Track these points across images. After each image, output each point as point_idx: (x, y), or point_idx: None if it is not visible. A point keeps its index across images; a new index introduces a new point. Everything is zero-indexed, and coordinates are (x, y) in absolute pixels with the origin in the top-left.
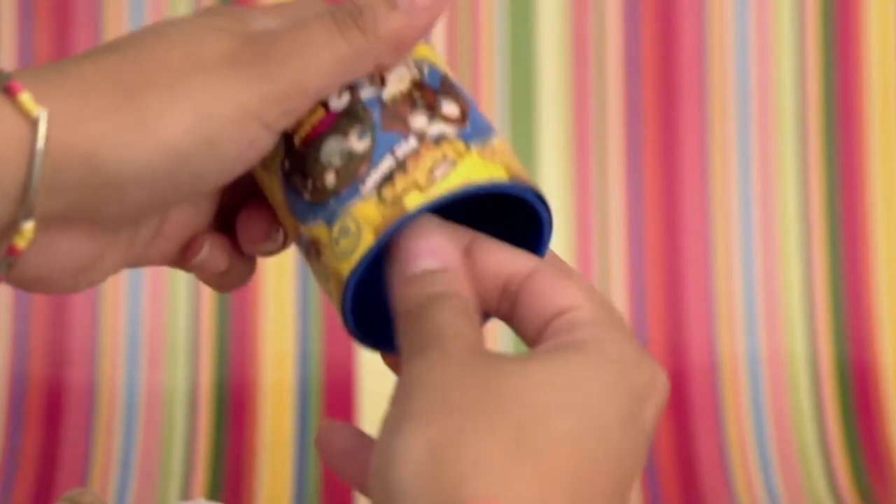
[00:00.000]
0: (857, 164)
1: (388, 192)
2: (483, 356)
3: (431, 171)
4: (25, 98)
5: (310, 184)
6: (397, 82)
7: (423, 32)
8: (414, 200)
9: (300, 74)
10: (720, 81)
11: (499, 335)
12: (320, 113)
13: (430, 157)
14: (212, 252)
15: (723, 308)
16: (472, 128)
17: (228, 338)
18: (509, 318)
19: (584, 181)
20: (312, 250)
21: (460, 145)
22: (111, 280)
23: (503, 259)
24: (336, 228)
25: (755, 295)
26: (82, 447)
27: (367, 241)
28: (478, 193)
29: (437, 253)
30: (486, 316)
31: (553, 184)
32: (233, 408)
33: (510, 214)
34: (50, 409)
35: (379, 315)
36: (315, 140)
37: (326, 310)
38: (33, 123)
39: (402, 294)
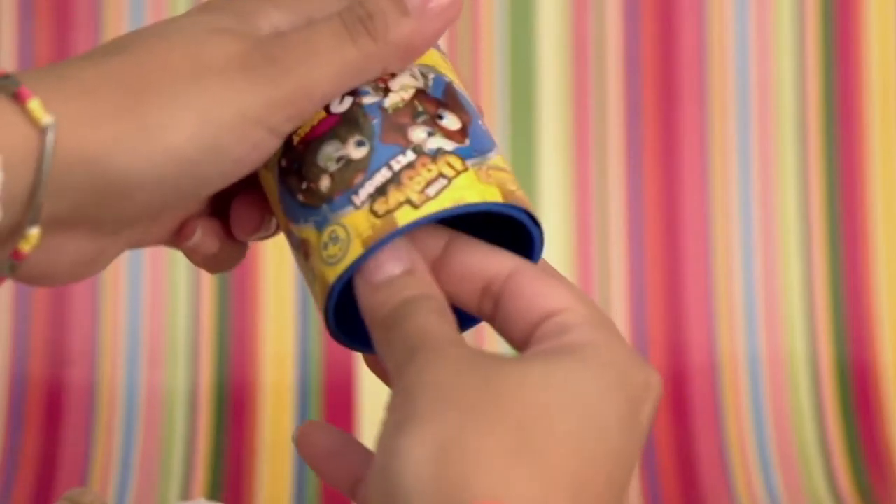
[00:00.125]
0: (857, 164)
1: (380, 206)
2: (477, 356)
3: (425, 187)
4: (35, 105)
5: (304, 185)
6: (400, 90)
7: (434, 39)
8: (406, 217)
9: (307, 80)
10: (720, 81)
11: (496, 335)
12: (320, 114)
13: (425, 172)
14: (203, 236)
15: (723, 308)
16: (472, 143)
17: (228, 338)
18: (492, 319)
19: (584, 181)
20: (301, 250)
21: (457, 162)
22: (111, 280)
23: (483, 258)
24: (326, 234)
25: (755, 295)
26: (82, 447)
27: (355, 251)
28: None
29: (399, 257)
30: (470, 318)
31: (553, 184)
32: (233, 408)
33: (502, 229)
34: (50, 409)
35: (360, 316)
36: (313, 141)
37: None
38: (41, 131)
39: (372, 303)
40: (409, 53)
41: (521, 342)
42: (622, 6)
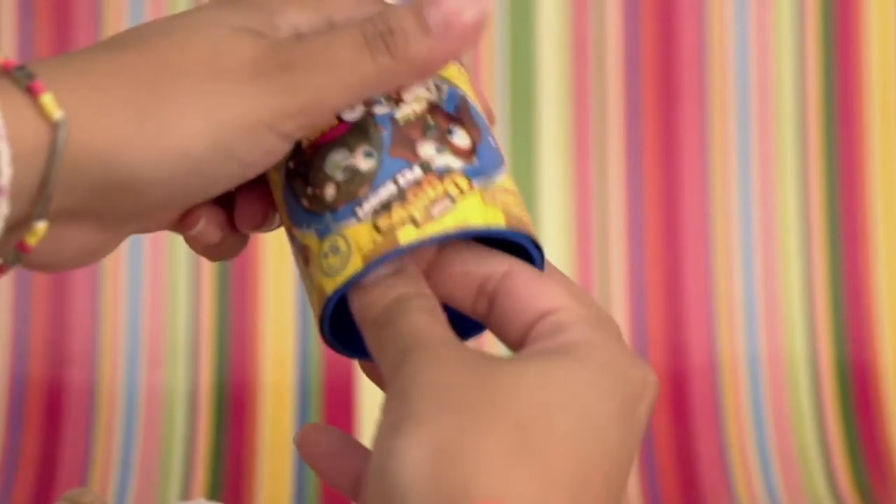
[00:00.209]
0: (857, 164)
1: (383, 221)
2: (471, 356)
3: (430, 206)
4: (47, 99)
5: (310, 191)
6: (413, 102)
7: (452, 58)
8: (408, 236)
9: (322, 90)
10: (720, 81)
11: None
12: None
13: (431, 191)
14: (206, 226)
15: (723, 308)
16: (480, 162)
17: (228, 338)
18: (487, 319)
19: (584, 181)
20: (302, 255)
21: (463, 182)
22: (111, 280)
23: (478, 258)
24: (327, 244)
25: (755, 295)
26: (82, 447)
27: (354, 265)
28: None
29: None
30: (474, 326)
31: (553, 184)
32: (233, 408)
33: (504, 241)
34: (50, 409)
35: (355, 323)
36: (322, 147)
37: None
38: (53, 126)
39: (363, 304)
40: (426, 71)
41: (516, 342)
42: (622, 6)
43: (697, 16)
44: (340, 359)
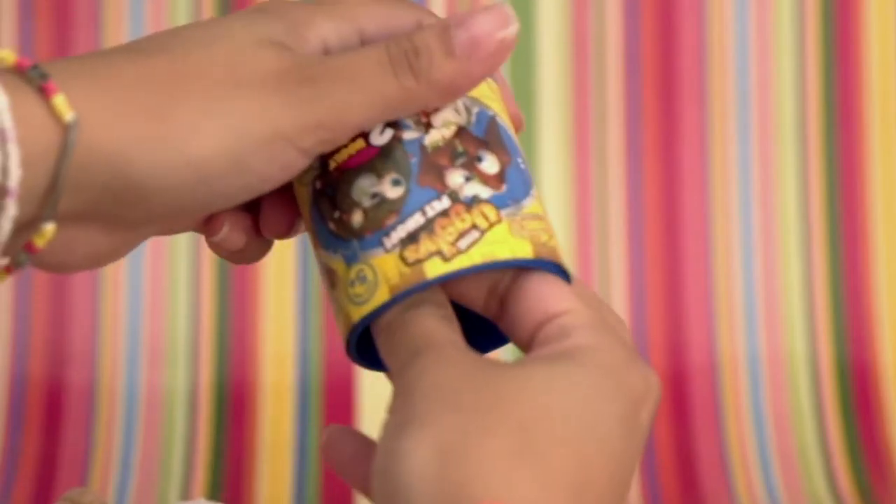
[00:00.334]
0: (857, 164)
1: (410, 253)
2: (479, 360)
3: (457, 239)
4: (59, 101)
5: (336, 214)
6: (442, 127)
7: (478, 81)
8: (435, 269)
9: (343, 107)
10: (720, 81)
11: None
12: (360, 143)
13: (459, 222)
14: (230, 231)
15: (723, 308)
16: (508, 189)
17: (228, 338)
18: (498, 319)
19: (584, 181)
20: (328, 278)
21: (492, 212)
22: (111, 280)
23: None
24: (353, 271)
25: (755, 295)
26: (82, 447)
27: (381, 296)
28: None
29: None
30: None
31: (553, 184)
32: (233, 408)
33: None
34: (50, 409)
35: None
36: (350, 171)
37: (326, 310)
38: (64, 128)
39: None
40: (451, 94)
41: (525, 344)
42: (622, 6)
43: (697, 15)
44: (340, 359)
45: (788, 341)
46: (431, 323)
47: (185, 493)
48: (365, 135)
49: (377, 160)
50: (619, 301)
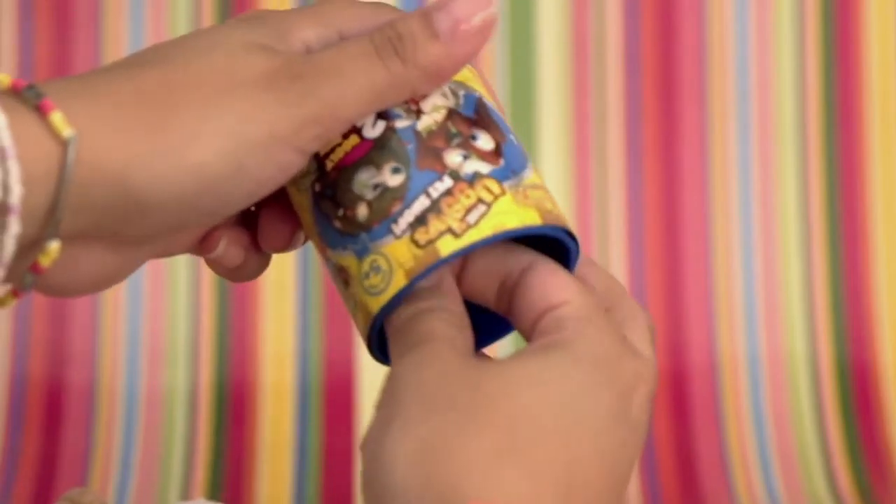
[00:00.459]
0: (857, 164)
1: (421, 235)
2: (467, 359)
3: (465, 215)
4: (57, 118)
5: (341, 212)
6: (432, 112)
7: (463, 63)
8: (448, 247)
9: (334, 99)
10: (720, 81)
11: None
12: (354, 139)
13: (464, 199)
14: (228, 247)
15: (723, 308)
16: (506, 163)
17: (228, 338)
18: (508, 314)
19: (584, 181)
20: (340, 277)
21: (494, 185)
22: None
23: (502, 255)
24: (366, 263)
25: (755, 295)
26: (82, 447)
27: (398, 282)
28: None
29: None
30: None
31: (553, 184)
32: (233, 408)
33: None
34: (50, 409)
35: None
36: (347, 168)
37: (326, 309)
38: (63, 145)
39: (395, 313)
40: (438, 77)
41: (527, 336)
42: (622, 6)
43: (697, 15)
44: (340, 359)
45: (788, 341)
46: (435, 323)
47: (185, 493)
48: (358, 130)
49: (374, 152)
50: None
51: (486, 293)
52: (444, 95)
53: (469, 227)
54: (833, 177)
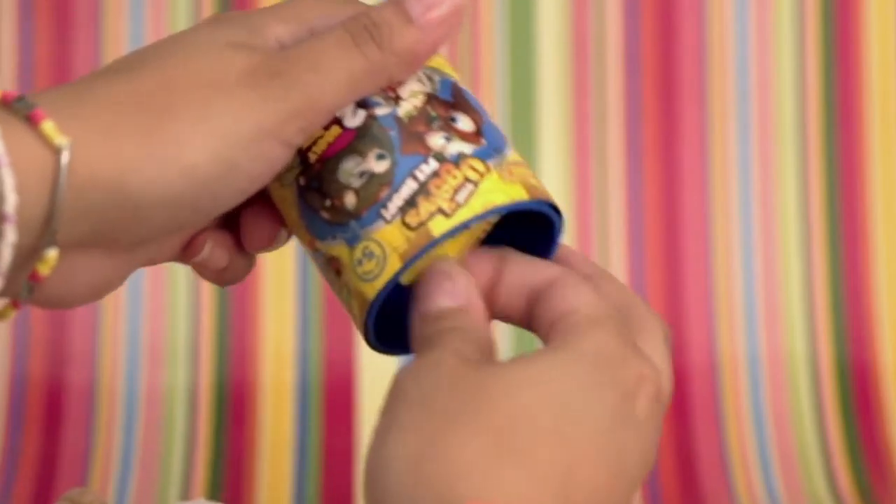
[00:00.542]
0: (857, 164)
1: (412, 218)
2: (471, 365)
3: (454, 195)
4: (48, 127)
5: (328, 203)
6: (411, 98)
7: (438, 46)
8: (440, 227)
9: (314, 90)
10: (720, 81)
11: (499, 335)
12: (335, 130)
13: (451, 179)
14: (213, 251)
15: (723, 308)
16: (488, 143)
17: (228, 337)
18: (530, 327)
19: (584, 181)
20: (331, 267)
21: (479, 164)
22: None
23: (528, 271)
24: (358, 250)
25: (755, 295)
26: (82, 447)
27: (393, 266)
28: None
29: (454, 294)
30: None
31: (553, 184)
32: (233, 408)
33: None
34: (50, 409)
35: (396, 319)
36: (332, 158)
37: (326, 309)
38: (56, 153)
39: (419, 333)
40: (415, 61)
41: (545, 342)
42: (622, 6)
43: (697, 15)
44: (340, 359)
45: (788, 341)
46: (448, 337)
47: (185, 493)
48: (339, 121)
49: (357, 141)
50: None
51: (515, 308)
52: (421, 81)
53: (459, 206)
54: (833, 177)
